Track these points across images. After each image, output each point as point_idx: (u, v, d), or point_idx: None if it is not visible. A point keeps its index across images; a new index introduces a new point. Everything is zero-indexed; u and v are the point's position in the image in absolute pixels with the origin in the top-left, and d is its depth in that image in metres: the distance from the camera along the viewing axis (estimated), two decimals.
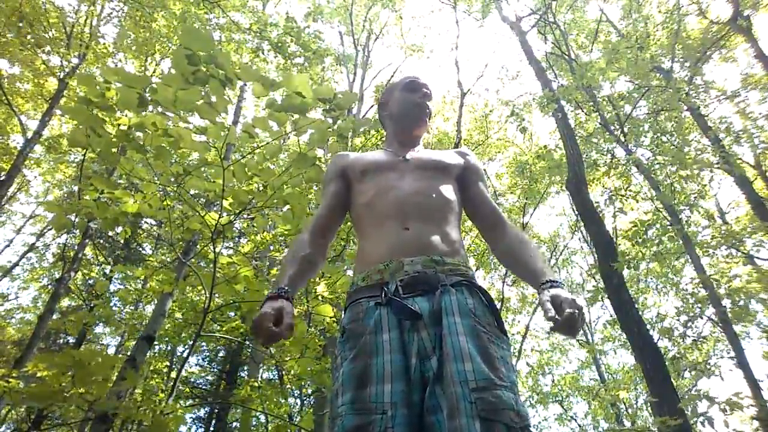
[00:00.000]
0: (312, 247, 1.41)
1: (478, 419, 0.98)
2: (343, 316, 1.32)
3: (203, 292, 3.75)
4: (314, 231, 1.46)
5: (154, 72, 10.46)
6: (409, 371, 1.09)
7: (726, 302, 8.38)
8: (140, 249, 11.37)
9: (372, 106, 10.84)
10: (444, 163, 1.54)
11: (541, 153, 9.98)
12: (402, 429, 1.01)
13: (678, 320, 10.42)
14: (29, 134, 8.97)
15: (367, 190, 1.46)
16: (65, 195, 12.38)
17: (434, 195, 1.42)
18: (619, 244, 13.56)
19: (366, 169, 1.51)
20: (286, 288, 1.24)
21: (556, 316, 1.10)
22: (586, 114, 10.07)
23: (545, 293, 1.17)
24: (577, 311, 1.09)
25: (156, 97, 2.47)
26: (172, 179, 3.01)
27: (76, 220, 3.01)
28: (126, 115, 2.76)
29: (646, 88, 9.14)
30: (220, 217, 3.27)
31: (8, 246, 13.40)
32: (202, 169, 3.13)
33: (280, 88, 2.50)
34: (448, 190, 1.47)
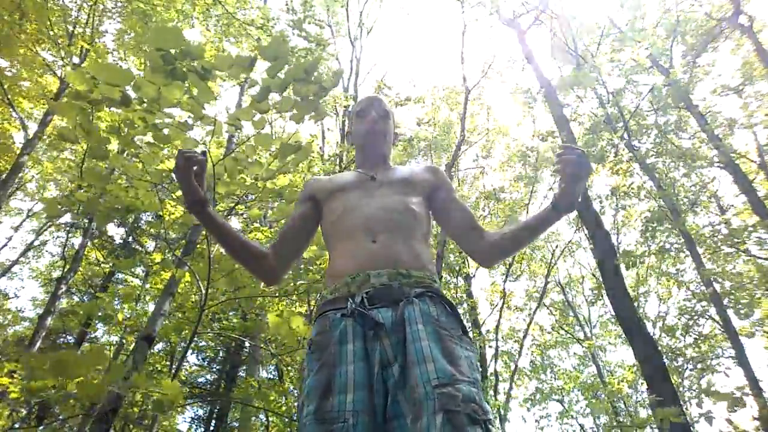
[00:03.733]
0: (269, 251, 1.46)
1: (441, 412, 0.99)
2: (312, 329, 1.34)
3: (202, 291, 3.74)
4: (275, 242, 1.51)
5: None
6: (371, 379, 1.12)
7: (727, 299, 8.33)
8: (138, 248, 11.38)
9: None
10: (412, 179, 1.56)
11: (542, 135, 9.89)
12: None
13: (680, 320, 10.36)
14: (30, 135, 8.96)
15: (336, 208, 1.49)
16: (62, 196, 12.34)
17: (401, 209, 1.43)
18: (623, 235, 13.51)
19: (335, 189, 1.54)
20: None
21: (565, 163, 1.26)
22: (590, 111, 10.02)
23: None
24: (580, 152, 1.24)
25: (140, 93, 2.46)
26: (164, 175, 3.00)
27: (69, 209, 3.00)
28: (111, 110, 2.74)
29: (651, 87, 9.09)
30: None
31: (5, 246, 13.39)
32: None
33: (258, 61, 2.54)
34: (416, 205, 1.48)
